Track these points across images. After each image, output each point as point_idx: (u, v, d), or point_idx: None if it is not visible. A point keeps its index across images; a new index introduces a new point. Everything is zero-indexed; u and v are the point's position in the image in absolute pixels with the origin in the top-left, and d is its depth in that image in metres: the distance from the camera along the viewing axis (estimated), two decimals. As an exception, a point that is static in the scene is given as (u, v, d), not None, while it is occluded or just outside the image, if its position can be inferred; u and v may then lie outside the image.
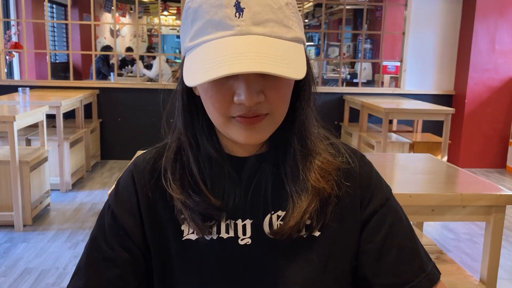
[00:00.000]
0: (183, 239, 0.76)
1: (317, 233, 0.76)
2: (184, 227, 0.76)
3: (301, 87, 0.73)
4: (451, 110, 4.30)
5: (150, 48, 9.75)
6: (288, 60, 0.63)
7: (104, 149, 5.18)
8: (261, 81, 0.65)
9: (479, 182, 1.86)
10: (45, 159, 3.60)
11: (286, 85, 0.68)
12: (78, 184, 4.31)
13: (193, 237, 0.75)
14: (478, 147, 5.33)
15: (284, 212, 0.75)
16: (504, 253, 3.03)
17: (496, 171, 5.26)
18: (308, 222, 0.75)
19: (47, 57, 5.28)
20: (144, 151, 0.83)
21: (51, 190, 3.83)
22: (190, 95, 0.74)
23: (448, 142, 4.35)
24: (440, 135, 4.52)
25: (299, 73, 0.63)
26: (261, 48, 0.62)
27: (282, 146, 0.75)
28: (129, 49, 8.60)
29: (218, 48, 0.63)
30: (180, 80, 0.73)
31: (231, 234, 0.75)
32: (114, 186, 0.81)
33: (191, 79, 0.64)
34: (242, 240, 0.75)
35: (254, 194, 0.75)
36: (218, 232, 0.75)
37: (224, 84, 0.66)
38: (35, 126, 3.76)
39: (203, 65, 0.63)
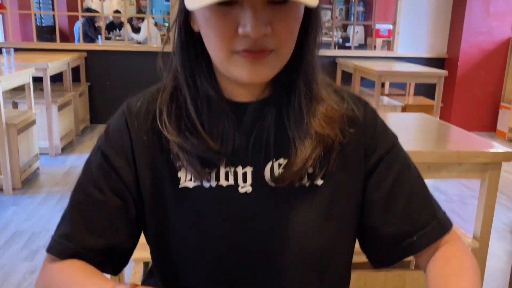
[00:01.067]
0: (179, 186, 0.72)
1: (319, 182, 0.73)
2: (180, 174, 0.72)
3: (309, 24, 0.68)
4: (444, 72, 4.28)
5: (139, 11, 9.51)
6: None
7: (93, 113, 5.10)
8: (269, 12, 0.61)
9: (474, 140, 1.85)
10: (33, 122, 3.53)
11: (295, 19, 0.64)
12: (67, 148, 4.26)
13: (191, 184, 0.72)
14: (470, 111, 5.34)
15: (286, 160, 0.71)
16: (495, 213, 3.06)
17: (487, 134, 5.29)
18: (311, 170, 0.72)
19: (32, 18, 5.12)
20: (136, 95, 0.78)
21: (40, 154, 3.77)
22: (188, 32, 0.69)
23: (440, 105, 4.35)
24: (432, 98, 4.51)
25: (313, 0, 0.59)
26: None
27: (287, 90, 0.71)
28: (117, 11, 8.38)
29: None
30: (178, 12, 0.68)
31: (231, 182, 0.71)
32: (104, 129, 0.77)
33: (192, 2, 0.59)
34: (242, 188, 0.72)
35: (256, 140, 0.72)
36: (217, 179, 0.71)
37: (228, 13, 0.61)
38: (21, 89, 3.67)
39: None
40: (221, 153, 0.70)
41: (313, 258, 0.75)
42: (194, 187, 0.72)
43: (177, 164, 0.72)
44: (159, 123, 0.71)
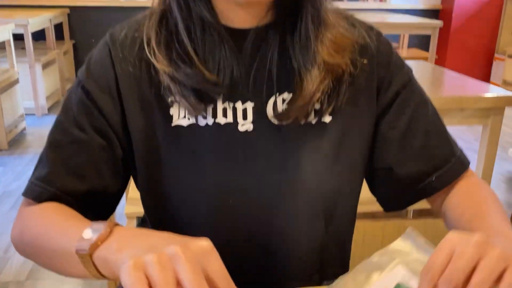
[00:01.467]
0: (172, 125, 0.65)
1: (327, 119, 0.66)
2: (173, 111, 0.65)
3: None
4: (439, 23, 4.17)
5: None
6: None
7: (79, 73, 4.96)
8: None
9: (476, 85, 1.79)
10: (16, 81, 3.40)
11: None
12: (54, 108, 4.13)
13: (185, 123, 0.64)
14: (464, 63, 5.27)
15: (291, 95, 0.64)
16: (490, 164, 3.05)
17: (480, 87, 5.25)
18: (318, 106, 0.65)
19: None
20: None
21: (27, 114, 3.66)
22: None
23: (434, 57, 4.27)
24: (426, 50, 4.42)
25: None
26: None
27: (292, 13, 0.63)
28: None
29: None
30: None
31: (229, 119, 0.64)
32: (85, 62, 0.68)
33: None
34: (242, 126, 0.64)
35: (257, 71, 0.64)
36: (214, 116, 0.64)
37: None
38: (1, 48, 3.52)
39: None
40: (218, 85, 0.62)
41: (320, 202, 0.69)
42: (189, 126, 0.64)
43: (169, 100, 0.64)
44: (147, 51, 0.63)
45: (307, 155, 0.66)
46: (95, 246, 0.50)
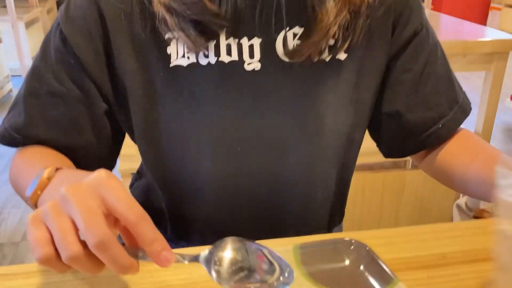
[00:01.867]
0: (170, 66, 0.58)
1: (342, 56, 0.60)
2: (171, 50, 0.58)
3: None
4: (435, -29, 4.06)
5: None
6: None
7: (64, 32, 4.80)
8: None
9: (477, 29, 1.73)
10: (-1, 40, 3.29)
11: None
12: (40, 69, 4.03)
13: (184, 62, 0.58)
14: (459, 12, 5.16)
15: (303, 29, 0.58)
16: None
17: (476, 37, 5.17)
18: (332, 42, 0.59)
19: None
20: None
21: (13, 76, 3.56)
22: None
23: (430, 7, 4.17)
24: None
25: None
26: None
27: None
28: None
29: None
30: None
31: (234, 57, 0.58)
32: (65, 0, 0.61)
33: None
34: (249, 64, 0.58)
35: (264, 3, 0.57)
36: (217, 54, 0.57)
37: None
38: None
39: None
40: (220, 17, 0.56)
41: (334, 148, 0.65)
42: (189, 65, 0.58)
43: (166, 37, 0.58)
44: None
45: (321, 95, 0.61)
46: (35, 196, 0.48)
